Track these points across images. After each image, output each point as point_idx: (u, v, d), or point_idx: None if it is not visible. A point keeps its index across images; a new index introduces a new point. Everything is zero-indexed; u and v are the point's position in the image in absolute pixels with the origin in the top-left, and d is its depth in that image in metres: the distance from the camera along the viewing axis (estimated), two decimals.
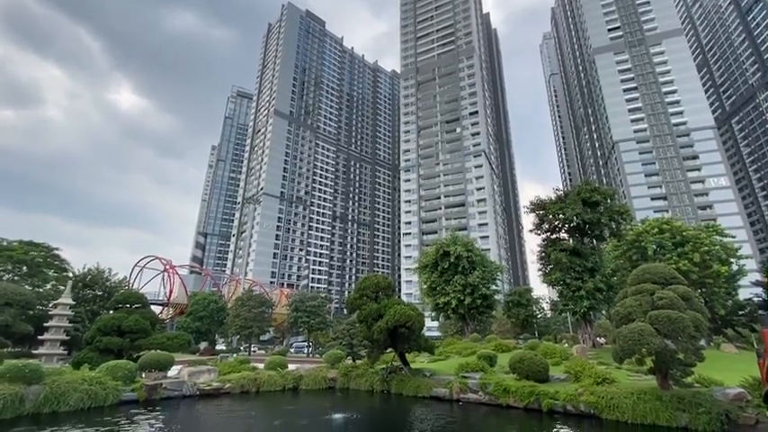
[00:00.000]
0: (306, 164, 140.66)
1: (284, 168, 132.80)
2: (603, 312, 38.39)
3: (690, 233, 37.11)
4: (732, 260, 40.23)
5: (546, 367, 19.29)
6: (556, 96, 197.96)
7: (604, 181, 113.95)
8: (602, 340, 34.45)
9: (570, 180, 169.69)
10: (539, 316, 51.77)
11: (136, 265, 63.30)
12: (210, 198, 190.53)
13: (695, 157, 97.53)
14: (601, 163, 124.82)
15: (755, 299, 42.79)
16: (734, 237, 46.46)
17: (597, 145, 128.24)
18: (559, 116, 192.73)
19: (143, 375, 20.10)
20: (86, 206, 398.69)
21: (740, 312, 41.96)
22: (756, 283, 43.87)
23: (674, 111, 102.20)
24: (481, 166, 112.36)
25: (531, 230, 34.53)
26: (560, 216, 31.48)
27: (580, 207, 30.65)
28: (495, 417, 16.33)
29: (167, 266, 64.05)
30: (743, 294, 43.50)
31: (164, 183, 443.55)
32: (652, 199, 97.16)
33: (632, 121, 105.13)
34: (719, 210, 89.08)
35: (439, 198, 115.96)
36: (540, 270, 34.47)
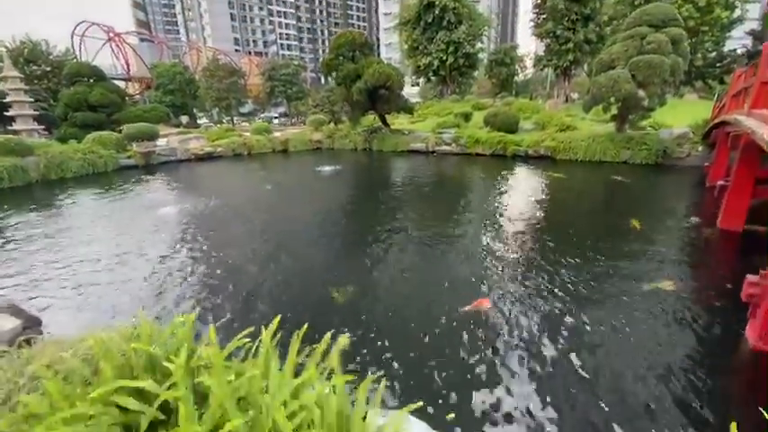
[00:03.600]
0: None
1: None
2: (585, 68, 37.85)
3: None
4: (738, 4, 36.99)
5: (517, 121, 20.54)
6: None
7: None
8: (575, 95, 35.54)
9: None
10: (519, 75, 51.19)
11: (73, 34, 54.59)
12: None
13: None
14: None
15: (740, 50, 42.04)
16: None
17: None
18: None
19: (133, 146, 20.78)
20: None
21: (717, 64, 42.00)
22: (751, 33, 41.99)
23: None
24: None
25: None
26: None
27: None
28: (464, 162, 18.59)
29: (110, 34, 55.63)
30: (729, 46, 42.34)
31: None
32: None
33: None
34: None
35: None
36: (531, 21, 31.50)
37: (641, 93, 15.48)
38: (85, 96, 26.38)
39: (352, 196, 13.87)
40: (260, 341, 2.31)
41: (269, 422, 1.90)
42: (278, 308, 5.32)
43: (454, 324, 4.96)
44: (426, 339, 4.67)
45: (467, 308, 5.36)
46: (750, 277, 4.88)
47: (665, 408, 3.61)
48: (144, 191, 14.26)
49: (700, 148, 15.83)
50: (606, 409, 3.59)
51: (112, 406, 2.07)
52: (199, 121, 55.33)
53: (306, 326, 2.51)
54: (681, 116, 19.45)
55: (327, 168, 18.23)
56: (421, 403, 2.20)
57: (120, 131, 21.47)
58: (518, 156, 18.41)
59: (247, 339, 2.43)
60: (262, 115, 58.47)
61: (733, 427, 1.90)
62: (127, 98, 33.87)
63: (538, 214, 9.83)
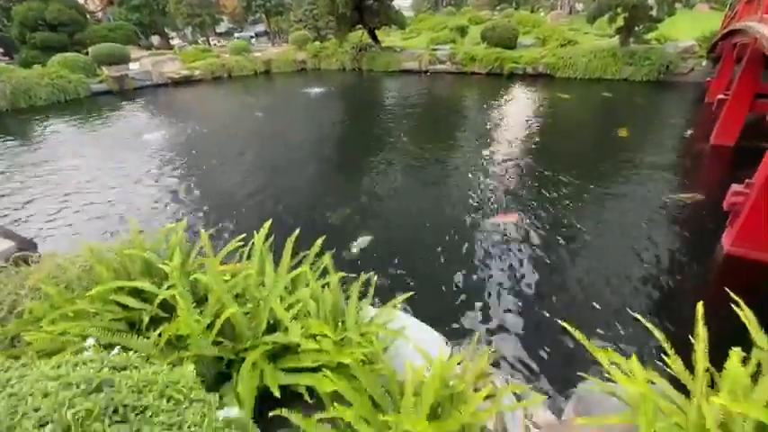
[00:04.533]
0: None
1: None
2: None
3: None
4: None
5: (515, 35, 19.15)
6: None
7: None
8: (580, 6, 32.85)
9: None
10: None
11: None
12: None
13: None
14: None
15: None
16: None
17: None
18: None
19: (103, 70, 19.26)
20: None
21: None
22: None
23: None
24: None
25: None
26: None
27: None
28: (459, 82, 17.72)
29: None
30: None
31: None
32: None
33: None
34: None
35: None
36: None
37: (650, 1, 14.32)
38: (41, 13, 23.73)
39: (344, 119, 13.37)
40: (253, 243, 2.34)
41: (266, 313, 2.00)
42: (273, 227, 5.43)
43: (447, 237, 5.11)
44: (420, 249, 4.85)
45: (494, 220, 5.49)
46: (735, 186, 4.98)
47: (638, 292, 4.07)
48: (123, 118, 13.56)
49: (704, 63, 15.14)
50: (586, 289, 3.95)
51: (113, 305, 2.15)
52: (172, 42, 50.84)
53: (298, 231, 2.55)
54: (689, 28, 18.26)
55: (316, 90, 17.30)
56: (412, 293, 2.34)
57: (86, 54, 19.71)
58: (515, 74, 17.52)
59: (240, 243, 2.47)
60: (238, 34, 53.68)
61: (699, 305, 2.05)
62: (88, 16, 30.63)
63: (532, 134, 9.65)
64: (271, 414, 1.53)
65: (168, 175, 7.66)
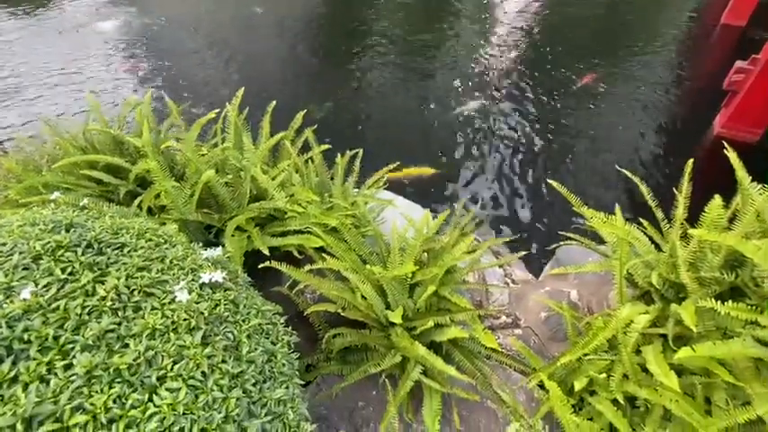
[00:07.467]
0: None
1: None
2: None
3: None
4: None
5: None
6: None
7: None
8: None
9: None
10: None
11: None
12: None
13: None
14: None
15: None
16: None
17: None
18: None
19: None
20: None
21: None
22: None
23: None
24: None
25: None
26: None
27: None
28: None
29: None
30: None
31: None
32: None
33: None
34: None
35: None
36: None
37: None
38: None
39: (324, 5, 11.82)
40: (226, 113, 2.14)
41: (248, 183, 1.93)
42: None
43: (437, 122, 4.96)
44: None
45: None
46: (739, 63, 4.73)
47: (626, 156, 4.42)
48: (66, 4, 11.74)
49: None
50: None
51: (86, 180, 2.05)
52: None
53: (275, 102, 2.34)
54: None
55: None
56: (398, 163, 2.29)
57: None
58: None
59: (214, 116, 2.28)
60: None
61: (689, 163, 2.04)
62: None
63: (533, 21, 8.76)
64: (260, 266, 1.56)
65: (128, 67, 6.94)
